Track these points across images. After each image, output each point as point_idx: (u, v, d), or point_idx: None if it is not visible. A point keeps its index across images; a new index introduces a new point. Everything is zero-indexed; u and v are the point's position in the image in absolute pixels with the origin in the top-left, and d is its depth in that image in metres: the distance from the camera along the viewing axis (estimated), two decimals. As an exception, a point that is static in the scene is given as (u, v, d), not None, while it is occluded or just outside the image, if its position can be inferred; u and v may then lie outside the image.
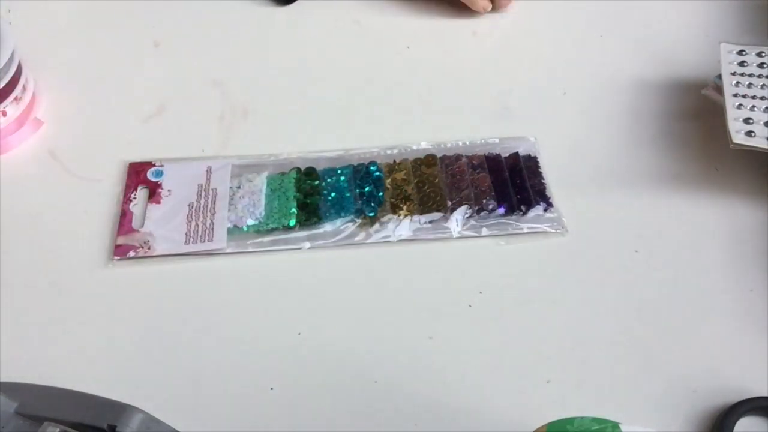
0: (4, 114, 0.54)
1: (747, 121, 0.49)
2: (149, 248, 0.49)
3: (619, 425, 0.32)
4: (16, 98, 0.54)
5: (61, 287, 0.48)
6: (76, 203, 0.52)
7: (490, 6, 0.62)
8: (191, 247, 0.49)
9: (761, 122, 0.49)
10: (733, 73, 0.52)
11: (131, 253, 0.49)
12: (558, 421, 0.34)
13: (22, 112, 0.55)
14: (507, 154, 0.53)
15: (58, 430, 0.36)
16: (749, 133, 0.48)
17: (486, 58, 0.61)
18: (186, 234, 0.49)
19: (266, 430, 0.42)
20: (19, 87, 0.54)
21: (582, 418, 0.33)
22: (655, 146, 0.54)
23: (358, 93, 0.57)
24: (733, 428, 0.40)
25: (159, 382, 0.43)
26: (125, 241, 0.49)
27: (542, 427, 0.34)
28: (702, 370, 0.43)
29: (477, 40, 0.62)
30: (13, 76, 0.53)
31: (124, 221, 0.50)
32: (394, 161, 0.53)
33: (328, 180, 0.52)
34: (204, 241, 0.49)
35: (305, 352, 0.45)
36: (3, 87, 0.53)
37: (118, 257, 0.49)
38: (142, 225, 0.50)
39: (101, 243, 0.49)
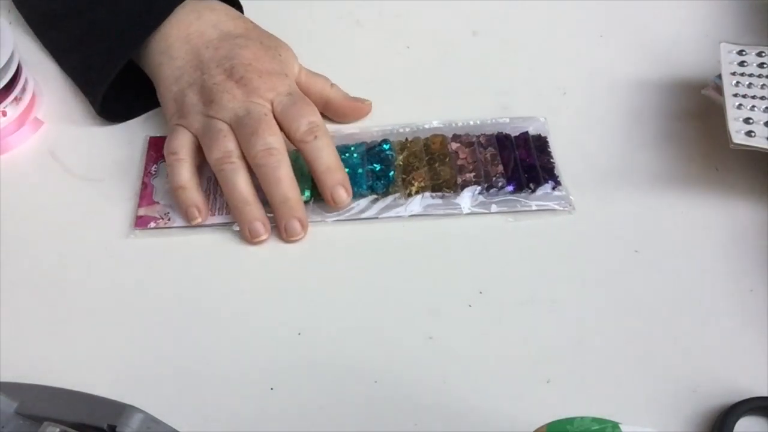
0: (4, 114, 0.54)
1: (747, 121, 0.49)
2: (169, 219, 0.50)
3: (619, 425, 0.32)
4: (16, 98, 0.54)
5: (61, 288, 0.48)
6: (75, 204, 0.52)
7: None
8: (209, 220, 0.50)
9: (761, 122, 0.49)
10: (733, 73, 0.52)
11: (152, 224, 0.50)
12: (558, 421, 0.34)
13: (22, 112, 0.55)
14: (517, 134, 0.54)
15: (58, 430, 0.36)
16: (749, 133, 0.48)
17: (486, 58, 0.61)
18: (212, 204, 0.51)
19: (266, 430, 0.42)
20: (19, 87, 0.54)
21: (582, 418, 0.33)
22: (655, 146, 0.54)
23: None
24: (733, 428, 0.40)
25: (159, 382, 0.43)
26: (146, 213, 0.51)
27: (542, 427, 0.34)
28: (702, 370, 0.43)
29: (477, 40, 0.62)
30: (13, 76, 0.53)
31: (145, 193, 0.52)
32: (407, 139, 0.54)
33: (342, 157, 0.52)
34: (222, 214, 0.51)
35: (305, 351, 0.45)
36: (3, 87, 0.53)
37: (140, 228, 0.50)
38: (162, 198, 0.51)
39: (101, 243, 0.50)
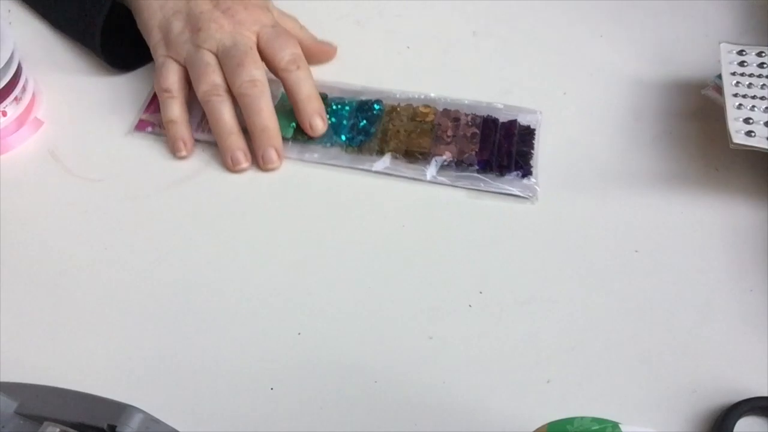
0: (4, 114, 0.54)
1: (747, 121, 0.49)
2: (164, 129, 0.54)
3: (619, 425, 0.32)
4: (16, 98, 0.54)
5: (60, 288, 0.48)
6: (75, 204, 0.52)
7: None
8: (199, 135, 0.54)
9: (761, 122, 0.49)
10: (733, 73, 0.52)
11: (148, 129, 0.55)
12: (558, 421, 0.34)
13: (22, 112, 0.55)
14: (506, 120, 0.55)
15: (58, 430, 0.36)
16: (749, 133, 0.48)
17: (485, 58, 0.61)
18: (198, 123, 0.55)
19: (266, 430, 0.42)
20: (19, 87, 0.54)
21: (582, 418, 0.33)
22: (655, 146, 0.54)
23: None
24: (733, 428, 0.40)
25: (159, 382, 0.43)
26: (147, 118, 0.56)
27: (542, 427, 0.34)
28: (702, 370, 0.43)
29: (477, 40, 0.62)
30: (13, 76, 0.53)
31: (153, 100, 0.56)
32: (398, 104, 0.56)
33: (333, 107, 0.56)
34: (207, 132, 0.54)
35: (305, 351, 0.45)
36: (3, 87, 0.53)
37: (138, 131, 0.55)
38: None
39: (101, 242, 0.50)
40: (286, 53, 0.53)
